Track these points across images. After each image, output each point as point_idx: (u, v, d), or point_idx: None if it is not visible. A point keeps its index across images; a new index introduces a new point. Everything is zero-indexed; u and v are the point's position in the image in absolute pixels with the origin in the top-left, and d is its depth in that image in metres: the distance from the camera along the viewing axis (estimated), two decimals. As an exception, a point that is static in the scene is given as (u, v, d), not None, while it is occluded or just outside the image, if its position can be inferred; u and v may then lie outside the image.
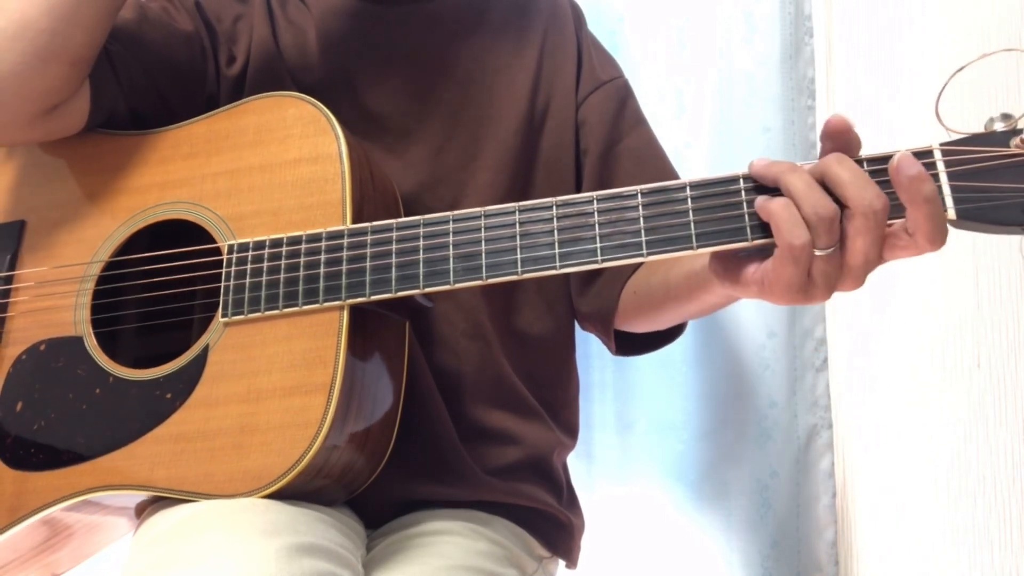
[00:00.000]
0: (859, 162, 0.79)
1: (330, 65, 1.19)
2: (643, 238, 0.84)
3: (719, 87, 1.54)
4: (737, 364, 1.49)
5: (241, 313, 0.97)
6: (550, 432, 1.21)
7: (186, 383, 0.97)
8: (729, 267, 0.86)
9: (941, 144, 0.78)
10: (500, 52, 1.25)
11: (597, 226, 0.86)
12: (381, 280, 0.93)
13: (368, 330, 0.98)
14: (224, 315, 0.98)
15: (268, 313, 0.96)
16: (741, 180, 0.83)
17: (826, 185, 0.78)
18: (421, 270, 0.92)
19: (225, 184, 1.04)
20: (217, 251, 1.02)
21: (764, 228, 0.81)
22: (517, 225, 0.89)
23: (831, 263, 0.78)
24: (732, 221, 0.82)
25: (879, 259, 0.78)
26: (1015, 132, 0.76)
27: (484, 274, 0.90)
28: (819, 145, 0.82)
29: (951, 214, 0.76)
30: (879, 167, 0.79)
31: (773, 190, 0.81)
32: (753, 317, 1.48)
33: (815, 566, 1.44)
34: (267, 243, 0.98)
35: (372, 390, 0.98)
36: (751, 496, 1.46)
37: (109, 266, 1.06)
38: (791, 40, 1.53)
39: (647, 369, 1.51)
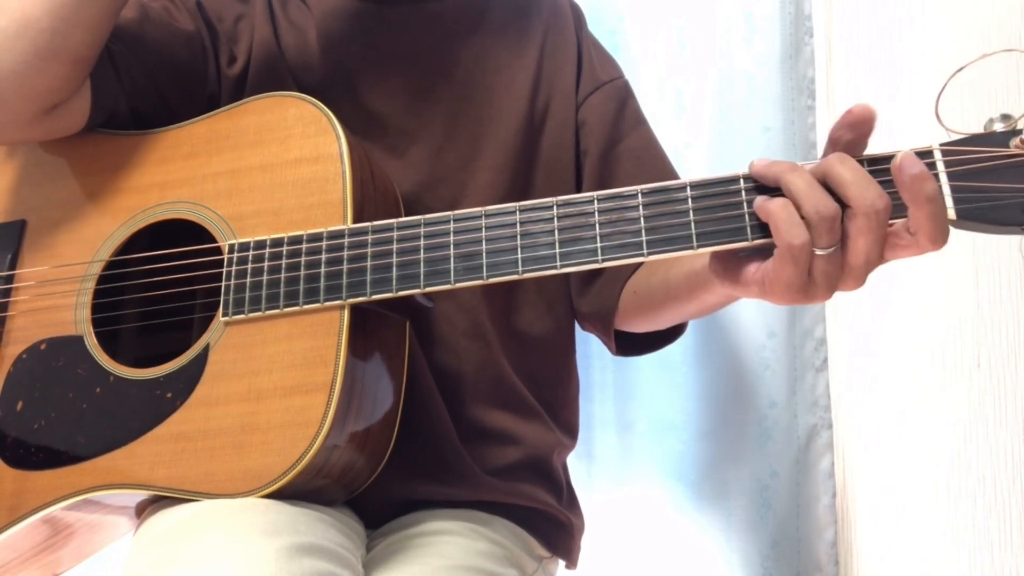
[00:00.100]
0: (860, 162, 0.79)
1: (330, 65, 1.19)
2: (643, 238, 0.84)
3: (719, 87, 1.54)
4: (737, 364, 1.49)
5: (242, 312, 0.97)
6: (550, 432, 1.21)
7: (186, 382, 0.97)
8: (729, 267, 0.86)
9: (941, 144, 0.78)
10: (500, 52, 1.25)
11: (598, 226, 0.86)
12: (382, 280, 0.93)
13: (369, 330, 0.98)
14: (225, 314, 0.98)
15: (269, 312, 0.96)
16: (741, 180, 0.83)
17: (827, 185, 0.78)
18: (422, 270, 0.92)
19: (226, 184, 1.04)
20: (218, 251, 1.02)
21: (764, 228, 0.81)
22: (518, 225, 0.90)
23: (832, 263, 0.78)
24: (732, 221, 0.82)
25: (880, 259, 0.78)
26: (1015, 132, 0.76)
27: (485, 274, 0.90)
28: (819, 145, 0.82)
29: (951, 214, 0.76)
30: (879, 167, 0.79)
31: (774, 190, 0.81)
32: (753, 317, 1.48)
33: (815, 566, 1.44)
34: (268, 243, 0.98)
35: (372, 390, 0.98)
36: (751, 496, 1.47)
37: (110, 265, 1.06)
38: (791, 40, 1.53)
39: (647, 369, 1.51)
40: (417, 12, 1.22)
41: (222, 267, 0.99)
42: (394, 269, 0.93)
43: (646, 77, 1.56)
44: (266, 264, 0.98)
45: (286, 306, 0.96)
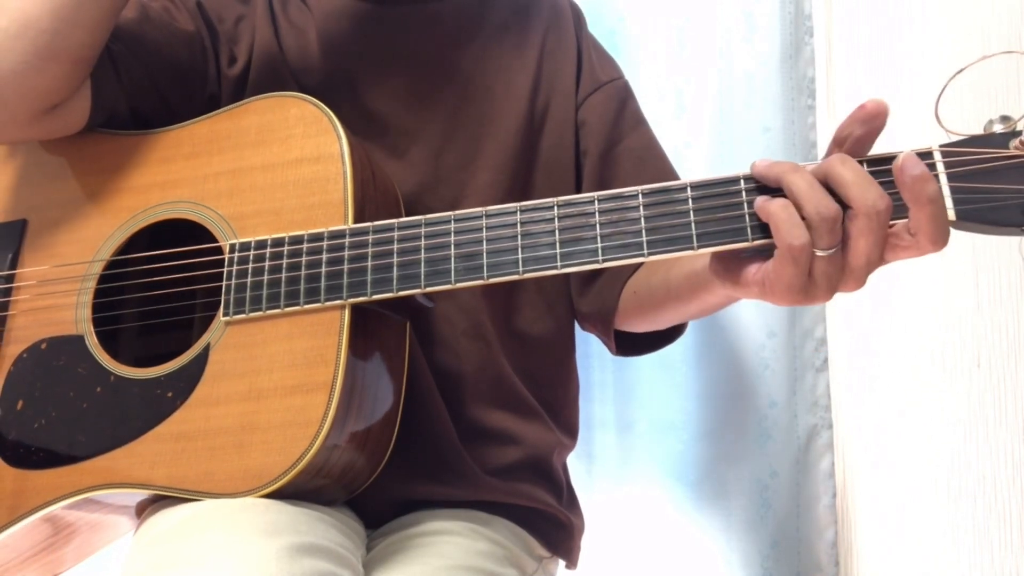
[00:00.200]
0: (860, 163, 0.79)
1: (331, 66, 1.19)
2: (644, 238, 0.85)
3: (719, 87, 1.54)
4: (737, 364, 1.49)
5: (242, 312, 0.97)
6: (550, 432, 1.21)
7: (187, 382, 0.97)
8: (730, 268, 0.87)
9: (941, 146, 0.78)
10: (500, 53, 1.25)
11: (598, 226, 0.87)
12: (382, 279, 0.93)
13: (369, 330, 0.98)
14: (225, 314, 0.98)
15: (269, 312, 0.96)
16: (742, 181, 0.83)
17: (828, 186, 0.78)
18: (422, 270, 0.92)
19: (227, 184, 1.04)
20: (219, 250, 1.02)
21: (765, 228, 0.81)
22: (519, 225, 0.90)
23: (833, 264, 0.78)
24: (733, 221, 0.82)
25: (881, 260, 0.78)
26: (1014, 134, 0.76)
27: (485, 274, 0.90)
28: (819, 145, 0.82)
29: (950, 215, 0.76)
30: (880, 168, 0.79)
31: (774, 190, 0.81)
32: (753, 317, 1.48)
33: (815, 566, 1.44)
34: (269, 242, 0.98)
35: (373, 389, 0.98)
36: (751, 496, 1.47)
37: (110, 265, 1.06)
38: (791, 40, 1.53)
39: (647, 369, 1.51)
40: (417, 13, 1.22)
41: (223, 267, 0.99)
42: (395, 269, 0.93)
43: (646, 77, 1.56)
44: (267, 264, 0.98)
45: (287, 306, 0.96)
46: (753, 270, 0.84)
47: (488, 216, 0.91)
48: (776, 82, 1.52)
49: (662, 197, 0.85)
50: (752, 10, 1.54)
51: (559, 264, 0.87)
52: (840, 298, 1.47)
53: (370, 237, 0.95)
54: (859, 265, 0.78)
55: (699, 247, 0.83)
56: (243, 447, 0.93)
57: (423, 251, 0.93)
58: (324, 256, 0.96)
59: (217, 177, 1.05)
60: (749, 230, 0.82)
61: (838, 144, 0.81)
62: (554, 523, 1.20)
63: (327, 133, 1.02)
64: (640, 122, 1.29)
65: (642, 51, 1.58)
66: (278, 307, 0.96)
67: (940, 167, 0.77)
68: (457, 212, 0.93)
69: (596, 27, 1.38)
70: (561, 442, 1.23)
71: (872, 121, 0.79)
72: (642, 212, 0.85)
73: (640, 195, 0.86)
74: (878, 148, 0.81)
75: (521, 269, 0.88)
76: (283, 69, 1.18)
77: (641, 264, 1.15)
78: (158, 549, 0.89)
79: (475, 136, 1.20)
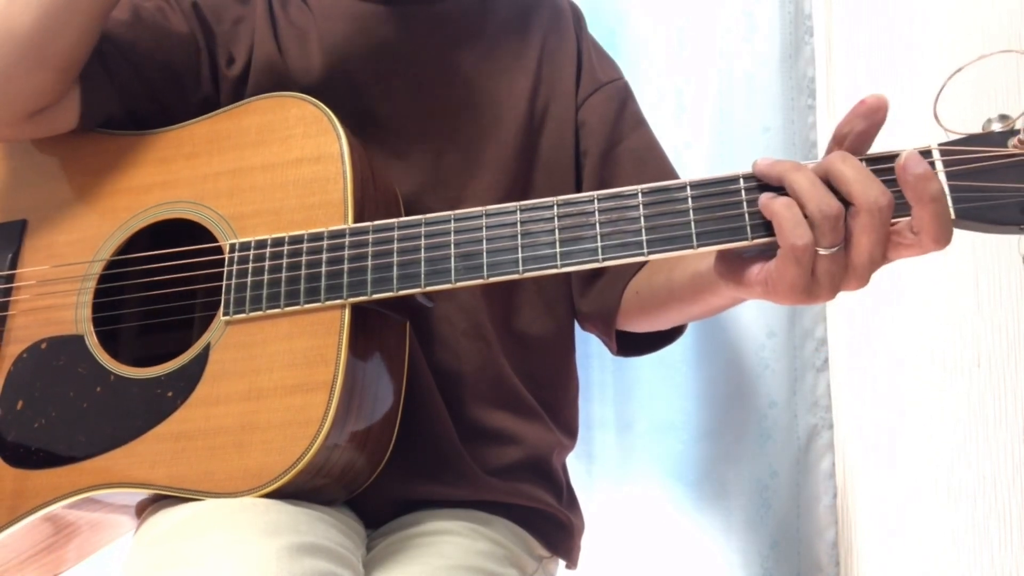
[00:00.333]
0: (861, 161, 0.79)
1: (332, 66, 1.18)
2: (644, 237, 0.85)
3: (719, 87, 1.54)
4: (737, 364, 1.49)
5: (243, 312, 0.97)
6: (550, 432, 1.21)
7: (187, 381, 0.97)
8: (733, 268, 0.87)
9: (940, 144, 0.78)
10: (501, 55, 1.25)
11: (598, 225, 0.87)
12: (382, 279, 0.93)
13: (369, 329, 0.98)
14: (225, 313, 0.98)
15: (270, 312, 0.96)
16: (741, 180, 0.83)
17: (830, 184, 0.78)
18: (422, 269, 0.92)
19: (227, 184, 1.04)
20: (219, 250, 1.02)
21: (764, 227, 0.81)
22: (518, 224, 0.90)
23: (836, 262, 0.78)
24: (732, 220, 0.83)
25: (884, 258, 0.78)
26: (1013, 132, 0.76)
27: (485, 273, 0.90)
28: (820, 145, 0.82)
29: (950, 214, 0.76)
30: (882, 167, 0.79)
31: (775, 189, 0.81)
32: (753, 317, 1.48)
33: (815, 567, 1.44)
34: (269, 242, 0.98)
35: (373, 389, 0.98)
36: (751, 496, 1.47)
37: (110, 265, 1.06)
38: (791, 40, 1.53)
39: (647, 369, 1.51)
40: (419, 14, 1.22)
41: (223, 267, 1.00)
42: (395, 268, 0.93)
43: (646, 77, 1.56)
44: (267, 263, 0.98)
45: (287, 305, 0.96)
46: (756, 270, 0.84)
47: (488, 216, 0.91)
48: (776, 82, 1.52)
49: (662, 196, 0.85)
50: (752, 10, 1.54)
51: (559, 263, 0.87)
52: (841, 298, 1.46)
53: (370, 237, 0.95)
54: (862, 263, 0.78)
55: (699, 246, 0.83)
56: (243, 447, 0.93)
57: (423, 250, 0.93)
58: (324, 256, 0.96)
59: (217, 177, 1.05)
60: (749, 229, 0.82)
61: (838, 142, 0.81)
62: (554, 523, 1.20)
63: (327, 133, 1.02)
64: (640, 122, 1.29)
65: (642, 51, 1.58)
66: (278, 307, 0.96)
67: (939, 166, 0.77)
68: (457, 212, 0.93)
69: (596, 27, 1.38)
70: (561, 442, 1.23)
71: (872, 116, 0.79)
72: (642, 211, 0.85)
73: (640, 194, 0.86)
74: (879, 147, 0.81)
75: (521, 268, 0.88)
76: (283, 69, 1.18)
77: (643, 265, 1.15)
78: (158, 549, 0.89)
79: (476, 137, 1.20)
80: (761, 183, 0.83)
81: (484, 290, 1.16)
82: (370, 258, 0.94)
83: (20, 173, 1.14)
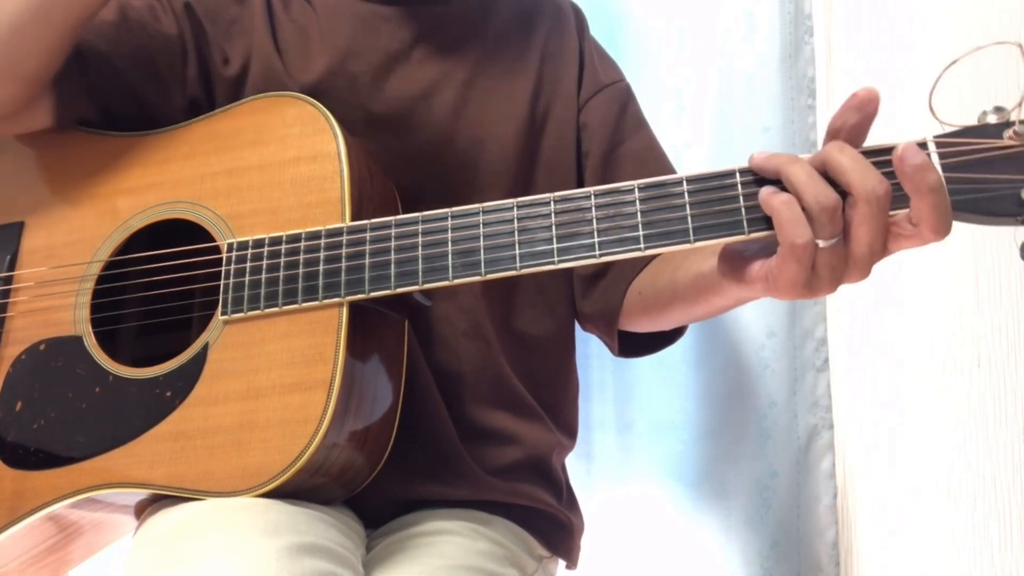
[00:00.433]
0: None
1: (333, 66, 1.18)
2: (640, 232, 0.85)
3: (719, 87, 1.54)
4: (737, 364, 1.49)
5: (240, 311, 0.97)
6: (550, 433, 1.21)
7: (186, 381, 0.97)
8: (734, 266, 0.87)
9: (935, 136, 0.78)
10: (503, 56, 1.25)
11: (595, 221, 0.87)
12: (380, 277, 0.93)
13: (367, 328, 0.98)
14: (224, 313, 0.98)
15: (267, 311, 0.96)
16: (737, 174, 0.84)
17: (827, 175, 0.78)
18: (420, 266, 0.92)
19: (225, 183, 1.04)
20: (216, 250, 1.02)
21: (761, 221, 0.81)
22: (515, 221, 0.90)
23: (835, 254, 0.78)
24: (729, 215, 0.83)
25: (884, 249, 0.78)
26: (1008, 124, 0.76)
27: (483, 269, 0.90)
28: (820, 145, 0.82)
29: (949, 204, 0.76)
30: (880, 159, 0.78)
31: (773, 182, 0.81)
32: (753, 317, 1.48)
33: (815, 567, 1.44)
34: (266, 241, 0.99)
35: (372, 387, 0.98)
36: (751, 496, 1.46)
37: (109, 266, 1.06)
38: (791, 40, 1.53)
39: (647, 369, 1.51)
40: (422, 15, 1.22)
41: (221, 266, 1.00)
42: (392, 266, 0.93)
43: (646, 77, 1.56)
44: (264, 263, 0.98)
45: (285, 304, 0.96)
46: (756, 267, 0.84)
47: (485, 212, 0.91)
48: (776, 82, 1.51)
49: (658, 191, 0.85)
50: (752, 10, 1.54)
51: (556, 259, 0.87)
52: (841, 298, 1.47)
53: (368, 235, 0.95)
54: (862, 254, 0.78)
55: (695, 240, 0.83)
56: (242, 445, 0.93)
57: (420, 248, 0.93)
58: (322, 254, 0.96)
59: (215, 177, 1.05)
60: (746, 223, 0.82)
61: (833, 136, 0.81)
62: (554, 523, 1.20)
63: (324, 132, 1.02)
64: (641, 124, 1.29)
65: (642, 51, 1.58)
66: (276, 306, 0.96)
67: (935, 158, 0.77)
68: (454, 209, 0.93)
69: (596, 27, 1.38)
70: (560, 442, 1.23)
71: (864, 108, 0.79)
72: (638, 207, 0.85)
73: (636, 190, 0.86)
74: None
75: (518, 264, 0.88)
76: (281, 69, 1.18)
77: (646, 265, 1.15)
78: (158, 549, 0.89)
79: (476, 138, 1.20)
80: (757, 177, 0.83)
81: (484, 290, 1.16)
82: (368, 256, 0.94)
83: (18, 175, 1.14)
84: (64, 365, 1.03)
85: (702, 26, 1.57)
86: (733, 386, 1.48)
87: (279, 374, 0.94)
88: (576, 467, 1.46)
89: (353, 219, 0.98)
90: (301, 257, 0.97)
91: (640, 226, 0.85)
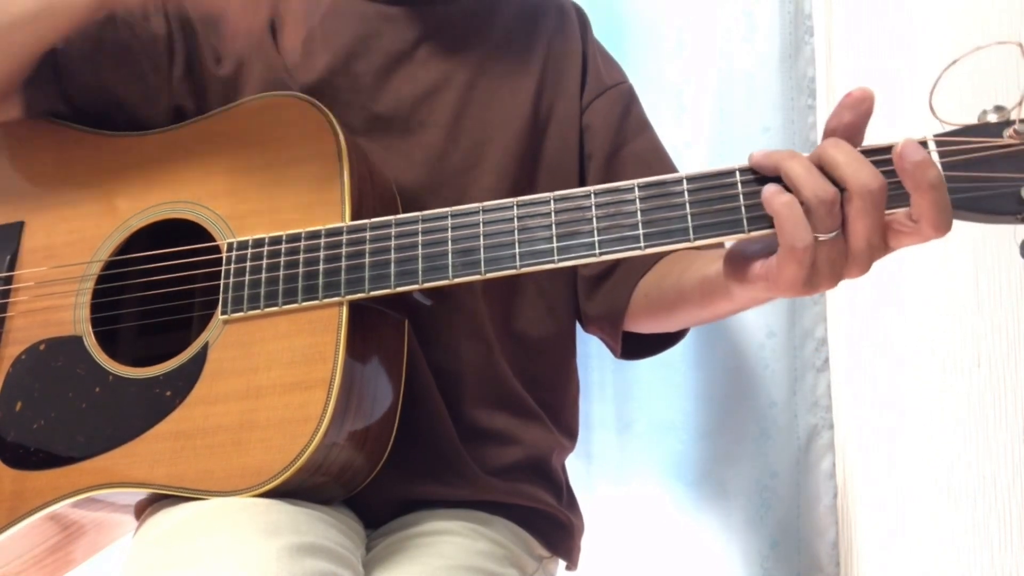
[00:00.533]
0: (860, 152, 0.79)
1: (336, 65, 1.18)
2: (640, 231, 0.85)
3: (719, 87, 1.54)
4: (737, 364, 1.49)
5: (240, 310, 0.97)
6: (549, 434, 1.21)
7: (186, 381, 0.97)
8: (736, 266, 0.87)
9: (935, 135, 0.79)
10: (506, 57, 1.25)
11: (595, 220, 0.87)
12: (380, 276, 0.93)
13: (367, 327, 0.98)
14: (224, 312, 0.98)
15: (267, 310, 0.97)
16: (737, 173, 0.84)
17: (824, 171, 0.79)
18: (420, 265, 0.92)
19: (224, 183, 1.05)
20: (216, 250, 1.02)
21: (761, 220, 0.81)
22: (515, 220, 0.90)
23: (835, 248, 0.78)
24: (729, 213, 0.83)
25: (883, 245, 0.79)
26: (1008, 123, 0.76)
27: (483, 268, 0.90)
28: (820, 142, 0.82)
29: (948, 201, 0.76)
30: (880, 157, 0.79)
31: (773, 180, 0.81)
32: (753, 317, 1.48)
33: (816, 567, 1.44)
34: (266, 241, 0.99)
35: (371, 387, 0.98)
36: (751, 496, 1.46)
37: (109, 265, 1.06)
38: (791, 40, 1.53)
39: (647, 369, 1.51)
40: (425, 15, 1.22)
41: (221, 266, 1.00)
42: (392, 265, 0.93)
43: (646, 77, 1.56)
44: (264, 262, 0.98)
45: (285, 303, 0.96)
46: (758, 266, 0.84)
47: (485, 211, 0.91)
48: (776, 82, 1.51)
49: (658, 190, 0.86)
50: (752, 10, 1.54)
51: (556, 258, 0.87)
52: (841, 298, 1.47)
53: (367, 234, 0.95)
54: (861, 248, 0.78)
55: (695, 239, 0.83)
56: (242, 445, 0.93)
57: (420, 247, 0.93)
58: (322, 254, 0.96)
59: (215, 177, 1.05)
60: (745, 221, 0.82)
61: (829, 136, 0.81)
62: (554, 523, 1.20)
63: (324, 132, 1.02)
64: (645, 126, 1.29)
65: (642, 51, 1.58)
66: (276, 305, 0.96)
67: (935, 156, 0.77)
68: (454, 208, 0.93)
69: (596, 27, 1.38)
70: (561, 443, 1.23)
71: (858, 107, 0.79)
72: (638, 205, 0.86)
73: (636, 189, 0.86)
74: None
75: (518, 263, 0.88)
76: (281, 68, 1.18)
77: (652, 266, 1.15)
78: (159, 549, 0.89)
79: (478, 139, 1.20)
80: (757, 176, 0.83)
81: (485, 291, 1.16)
82: (368, 255, 0.94)
83: (17, 174, 1.14)
84: (64, 365, 1.03)
85: (702, 26, 1.57)
86: (733, 386, 1.48)
87: (279, 373, 0.94)
88: (576, 467, 1.46)
89: (353, 219, 0.98)
90: (301, 256, 0.97)
91: (640, 225, 0.85)
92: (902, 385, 1.38)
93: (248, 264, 0.98)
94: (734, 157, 1.46)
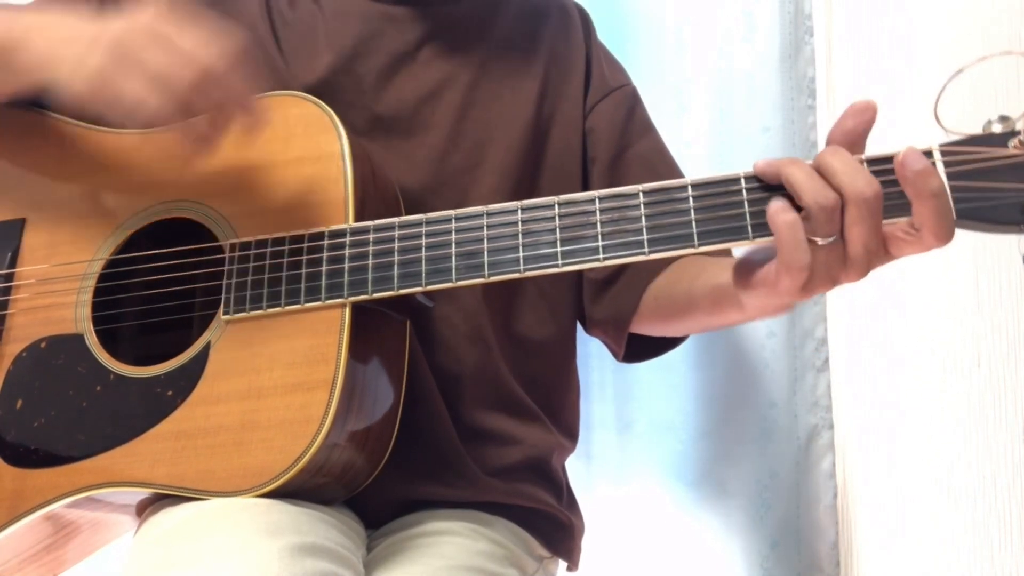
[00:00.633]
0: (861, 162, 0.79)
1: (338, 65, 1.18)
2: (645, 236, 0.85)
3: (719, 87, 1.54)
4: (737, 364, 1.49)
5: (243, 310, 0.97)
6: (550, 434, 1.21)
7: (187, 380, 0.97)
8: (743, 273, 0.88)
9: (940, 145, 0.79)
10: (508, 57, 1.25)
11: (599, 224, 0.87)
12: (383, 278, 0.93)
13: (370, 329, 0.98)
14: (226, 312, 0.98)
15: (270, 310, 0.96)
16: (742, 179, 0.84)
17: (824, 178, 0.79)
18: (423, 268, 0.92)
19: (228, 182, 1.04)
20: (219, 249, 1.01)
21: (765, 227, 0.81)
22: (520, 224, 0.90)
23: (832, 253, 0.79)
24: (733, 220, 0.83)
25: (882, 251, 0.80)
26: (1013, 133, 0.76)
27: (487, 272, 0.90)
28: (820, 145, 0.83)
29: (951, 210, 0.77)
30: (882, 167, 0.79)
31: (777, 189, 0.81)
32: (753, 317, 1.48)
33: (816, 567, 1.44)
34: (269, 241, 0.98)
35: (373, 388, 0.98)
36: (751, 496, 1.46)
37: (110, 264, 1.06)
38: (791, 40, 1.52)
39: (647, 369, 1.50)
40: (429, 15, 1.22)
41: (223, 265, 0.99)
42: (395, 267, 0.93)
43: (646, 77, 1.55)
44: (267, 262, 0.98)
45: (287, 304, 0.96)
46: (760, 272, 0.85)
47: (489, 215, 0.91)
48: (776, 82, 1.51)
49: (663, 196, 0.86)
50: (752, 10, 1.54)
51: (560, 262, 0.87)
52: (841, 298, 1.47)
53: (371, 236, 0.95)
54: (858, 254, 0.79)
55: (700, 245, 0.83)
56: (243, 445, 0.93)
57: (424, 249, 0.93)
58: (325, 255, 0.96)
59: (218, 176, 1.05)
60: (750, 228, 0.82)
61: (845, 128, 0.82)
62: (555, 523, 1.20)
63: (328, 132, 1.02)
64: (649, 128, 1.29)
65: (642, 51, 1.58)
66: (278, 305, 0.96)
67: (940, 166, 0.77)
68: (458, 211, 0.93)
69: (597, 27, 1.38)
70: (561, 444, 1.23)
71: (860, 116, 0.80)
72: (643, 211, 0.86)
73: (641, 194, 0.86)
74: (881, 147, 0.81)
75: (522, 267, 0.88)
76: (282, 67, 1.17)
77: (660, 271, 1.15)
78: (159, 549, 0.89)
79: (481, 140, 1.19)
80: (762, 183, 0.83)
81: (485, 293, 1.16)
82: (371, 257, 0.94)
83: (19, 172, 1.14)
84: (65, 363, 1.03)
85: (702, 26, 1.57)
86: (733, 386, 1.48)
87: (281, 374, 0.94)
88: (576, 467, 1.46)
89: (356, 220, 0.97)
90: (304, 257, 0.96)
91: (644, 230, 0.85)
92: (902, 385, 1.38)
93: (251, 264, 0.98)
94: (734, 157, 1.47)
